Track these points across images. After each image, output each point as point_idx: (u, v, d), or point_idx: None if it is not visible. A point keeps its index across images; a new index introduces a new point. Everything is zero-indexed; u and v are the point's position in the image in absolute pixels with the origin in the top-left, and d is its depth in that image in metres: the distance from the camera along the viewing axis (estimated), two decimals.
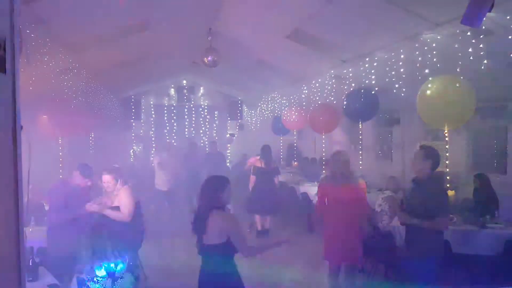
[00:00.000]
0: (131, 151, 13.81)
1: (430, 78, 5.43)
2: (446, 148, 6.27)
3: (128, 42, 7.17)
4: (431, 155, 4.05)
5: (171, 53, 9.16)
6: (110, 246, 3.20)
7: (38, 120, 7.07)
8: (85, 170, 4.76)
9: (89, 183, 4.76)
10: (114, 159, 11.19)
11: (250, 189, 8.30)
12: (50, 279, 3.59)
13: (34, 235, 5.00)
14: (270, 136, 12.88)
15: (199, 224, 3.23)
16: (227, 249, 3.17)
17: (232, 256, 3.24)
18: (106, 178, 4.78)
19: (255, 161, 8.25)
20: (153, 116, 14.39)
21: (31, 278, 3.53)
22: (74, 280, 3.07)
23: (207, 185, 3.38)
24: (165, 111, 14.45)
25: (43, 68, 5.40)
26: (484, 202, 5.90)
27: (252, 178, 8.30)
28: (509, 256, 4.97)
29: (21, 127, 1.18)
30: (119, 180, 4.84)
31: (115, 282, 3.01)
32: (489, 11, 2.91)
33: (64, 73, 6.22)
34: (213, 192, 3.31)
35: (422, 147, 4.30)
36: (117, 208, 4.74)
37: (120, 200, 4.77)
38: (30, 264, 3.58)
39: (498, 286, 4.02)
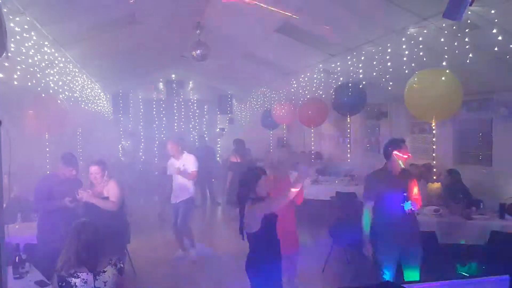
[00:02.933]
0: (119, 146, 13.70)
1: (416, 72, 5.48)
2: (433, 141, 6.36)
3: (115, 36, 7.09)
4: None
5: (159, 47, 9.09)
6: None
7: (24, 115, 6.96)
8: (68, 159, 4.63)
9: (73, 172, 4.61)
10: (103, 155, 11.11)
11: (228, 185, 8.56)
12: (37, 275, 3.57)
13: (21, 231, 4.96)
14: (260, 130, 12.90)
15: (241, 215, 3.47)
16: (263, 237, 3.38)
17: (270, 243, 3.44)
18: (94, 169, 4.76)
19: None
20: (142, 110, 14.28)
21: (17, 275, 3.51)
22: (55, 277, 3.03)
23: (243, 178, 3.58)
24: (154, 106, 14.36)
25: (28, 62, 5.32)
26: (455, 197, 5.93)
27: (230, 174, 8.38)
28: (494, 246, 5.07)
29: (0, 122, 1.16)
30: (106, 172, 4.83)
31: (97, 277, 2.99)
32: (470, 5, 2.95)
33: (50, 67, 6.13)
34: (248, 184, 3.50)
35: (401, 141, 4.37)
36: (106, 199, 4.74)
37: (109, 189, 4.77)
38: (17, 261, 3.55)
39: (484, 276, 4.10)
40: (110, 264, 3.07)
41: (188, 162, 6.49)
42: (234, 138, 9.05)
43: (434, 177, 6.03)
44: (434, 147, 6.33)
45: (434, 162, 6.30)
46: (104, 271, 3.02)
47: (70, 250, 2.98)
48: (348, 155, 9.25)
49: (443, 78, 5.31)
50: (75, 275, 2.94)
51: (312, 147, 10.54)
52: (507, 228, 5.23)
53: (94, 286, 2.95)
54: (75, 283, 2.92)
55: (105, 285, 2.99)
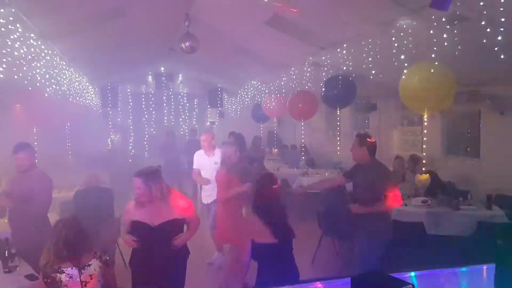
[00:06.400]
0: (108, 140, 13.59)
1: (406, 64, 5.50)
2: (422, 133, 6.42)
3: (103, 28, 7.00)
4: (365, 141, 4.26)
5: (147, 39, 8.99)
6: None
7: (11, 109, 6.86)
8: (16, 147, 4.28)
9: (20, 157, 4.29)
10: (92, 149, 11.02)
11: None
12: (27, 269, 3.54)
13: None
14: (251, 123, 12.89)
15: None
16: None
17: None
18: (137, 182, 3.43)
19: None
20: (131, 104, 14.15)
21: (7, 269, 3.48)
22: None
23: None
24: (143, 99, 14.24)
25: (14, 55, 5.23)
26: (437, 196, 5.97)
27: None
28: (481, 236, 5.15)
29: None
30: (152, 186, 3.40)
31: (82, 271, 2.97)
32: None
33: (36, 60, 6.03)
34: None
35: (357, 135, 4.44)
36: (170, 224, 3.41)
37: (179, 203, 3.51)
38: (6, 255, 3.52)
39: (471, 266, 4.17)
40: (95, 257, 3.04)
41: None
42: (229, 132, 8.96)
43: (423, 168, 6.08)
44: (424, 139, 6.40)
45: (424, 154, 6.37)
46: (89, 265, 3.00)
47: (52, 247, 2.95)
48: (338, 148, 9.30)
49: (437, 71, 5.34)
50: (59, 270, 2.91)
51: (302, 140, 10.57)
52: (494, 218, 5.33)
53: (80, 280, 2.93)
54: (60, 278, 2.90)
55: (91, 279, 2.97)
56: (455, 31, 4.82)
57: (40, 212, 4.33)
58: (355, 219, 4.26)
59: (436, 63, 5.27)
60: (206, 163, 6.00)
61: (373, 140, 4.34)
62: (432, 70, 5.29)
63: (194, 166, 6.13)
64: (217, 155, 5.85)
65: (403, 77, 5.58)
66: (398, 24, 5.23)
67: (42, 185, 4.34)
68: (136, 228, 3.40)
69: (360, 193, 4.25)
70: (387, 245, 4.17)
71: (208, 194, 5.94)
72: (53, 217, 5.01)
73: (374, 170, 4.21)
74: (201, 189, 6.50)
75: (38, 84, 6.45)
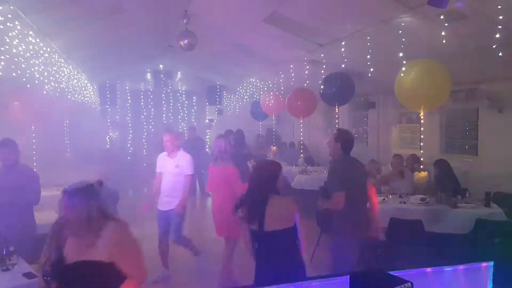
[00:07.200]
0: (107, 137, 13.58)
1: (404, 62, 5.50)
2: (421, 130, 6.43)
3: (101, 25, 6.98)
4: (341, 137, 4.16)
5: (146, 36, 8.97)
6: None
7: (9, 106, 6.85)
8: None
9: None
10: (90, 146, 11.02)
11: None
12: (25, 267, 3.53)
13: None
14: (249, 121, 12.89)
15: (256, 211, 3.04)
16: (293, 234, 3.05)
17: (296, 242, 3.10)
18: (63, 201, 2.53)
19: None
20: (129, 101, 14.13)
21: (4, 267, 3.47)
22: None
23: (262, 170, 3.24)
24: (142, 97, 14.21)
25: (12, 52, 5.21)
26: (446, 187, 5.99)
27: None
28: (479, 234, 5.17)
29: None
30: (77, 208, 2.44)
31: None
32: None
33: (35, 57, 6.01)
34: (270, 177, 3.18)
35: (337, 129, 4.41)
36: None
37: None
38: (4, 253, 3.51)
39: (469, 263, 4.18)
40: None
41: (184, 162, 5.37)
42: (226, 130, 9.03)
43: (422, 166, 6.10)
44: (422, 136, 6.41)
45: (422, 151, 6.38)
46: None
47: (51, 247, 2.96)
48: None
49: (431, 68, 5.34)
50: None
51: (301, 137, 10.58)
52: (493, 216, 5.34)
53: None
54: None
55: None
56: (454, 29, 4.82)
57: (26, 205, 4.34)
58: (330, 215, 4.25)
59: (432, 60, 5.28)
60: (168, 165, 5.37)
61: (350, 137, 4.23)
62: (426, 67, 5.29)
63: (157, 170, 5.51)
64: (180, 157, 5.38)
65: (400, 74, 5.58)
66: (396, 22, 5.23)
67: (28, 178, 4.38)
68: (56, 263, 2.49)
69: (326, 188, 4.27)
70: (356, 245, 4.14)
71: (167, 201, 5.30)
72: (52, 215, 5.02)
73: (334, 167, 4.16)
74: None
75: (36, 82, 6.43)
